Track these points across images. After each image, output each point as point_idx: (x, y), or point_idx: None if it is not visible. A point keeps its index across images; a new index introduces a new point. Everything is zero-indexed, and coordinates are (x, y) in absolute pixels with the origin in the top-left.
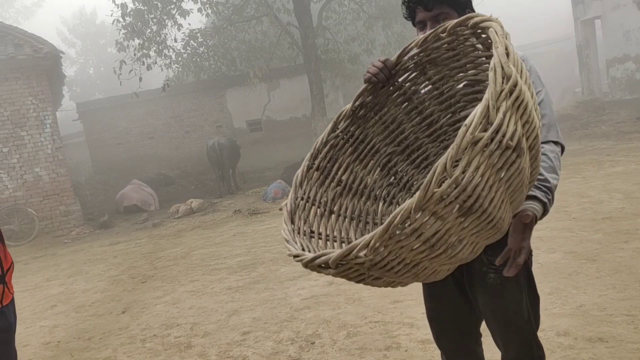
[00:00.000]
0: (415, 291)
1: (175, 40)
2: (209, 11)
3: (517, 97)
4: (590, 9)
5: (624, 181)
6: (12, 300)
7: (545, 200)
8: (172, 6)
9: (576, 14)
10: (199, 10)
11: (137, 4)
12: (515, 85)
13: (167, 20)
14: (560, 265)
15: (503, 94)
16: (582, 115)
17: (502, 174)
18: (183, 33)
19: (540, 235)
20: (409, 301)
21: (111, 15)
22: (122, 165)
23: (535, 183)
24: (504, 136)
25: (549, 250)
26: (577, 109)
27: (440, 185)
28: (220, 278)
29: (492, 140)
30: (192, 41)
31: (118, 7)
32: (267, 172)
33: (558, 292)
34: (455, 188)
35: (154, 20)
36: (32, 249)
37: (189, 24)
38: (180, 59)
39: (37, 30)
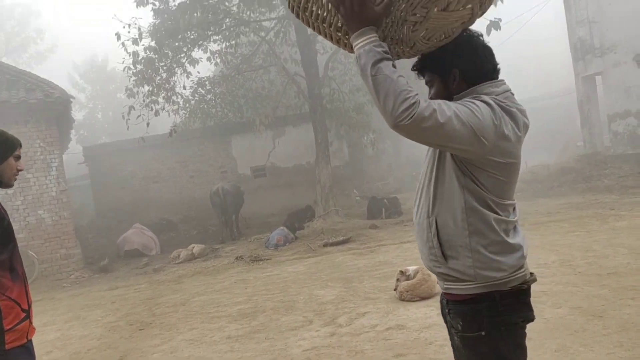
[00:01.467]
0: (419, 344)
1: (184, 88)
2: (218, 60)
3: None
4: (590, 65)
5: (629, 236)
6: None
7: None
8: (182, 55)
9: (577, 70)
10: (208, 59)
11: (149, 53)
12: None
13: (176, 68)
14: (567, 322)
15: None
16: (584, 169)
17: None
18: (192, 81)
19: (545, 290)
20: (413, 355)
21: (122, 62)
22: (125, 209)
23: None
24: None
25: (555, 306)
26: (579, 163)
27: None
28: (219, 326)
29: None
30: (200, 88)
31: (130, 55)
32: (270, 218)
33: (565, 349)
34: None
35: (164, 68)
36: (31, 293)
37: (198, 72)
38: (187, 105)
39: (48, 75)
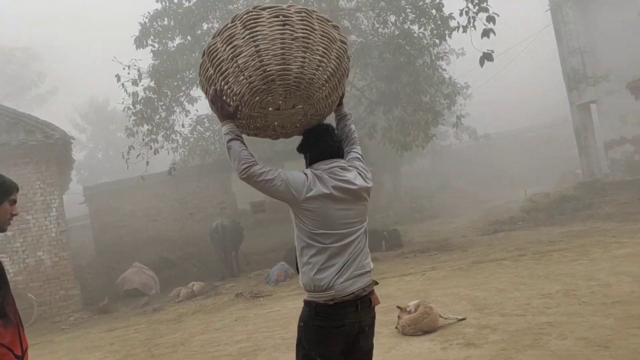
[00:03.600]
0: None
1: (183, 126)
2: None
3: None
4: (585, 94)
5: (632, 263)
6: None
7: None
8: (181, 94)
9: (572, 99)
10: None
11: (148, 93)
12: None
13: (175, 107)
14: (573, 353)
15: None
16: (584, 197)
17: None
18: (190, 119)
19: (551, 321)
20: None
21: (122, 102)
22: (125, 248)
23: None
24: None
25: (560, 337)
26: (578, 190)
27: None
28: None
29: None
30: (199, 126)
31: (129, 96)
32: (270, 254)
33: None
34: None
35: (163, 107)
36: (29, 336)
37: (197, 110)
38: (187, 143)
39: (49, 116)
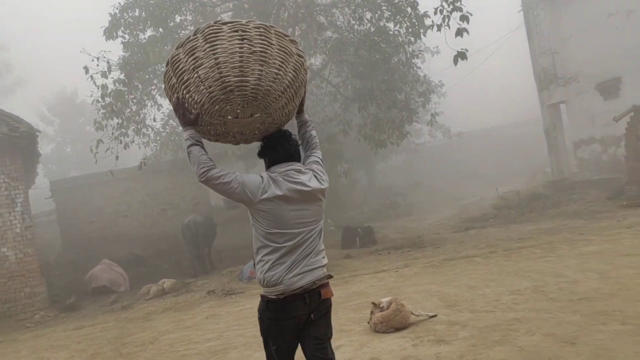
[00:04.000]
0: None
1: (155, 120)
2: None
3: None
4: (555, 94)
5: (599, 261)
6: None
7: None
8: (153, 87)
9: (542, 99)
10: None
11: (118, 85)
12: None
13: (147, 101)
14: (540, 349)
15: None
16: (553, 195)
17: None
18: (162, 112)
19: (519, 317)
20: None
21: (91, 95)
22: (93, 244)
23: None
24: None
25: (528, 333)
26: (547, 189)
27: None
28: None
29: None
30: (171, 120)
31: (99, 88)
32: (243, 250)
33: None
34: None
35: (134, 100)
36: None
37: (169, 104)
38: (158, 137)
39: (15, 108)
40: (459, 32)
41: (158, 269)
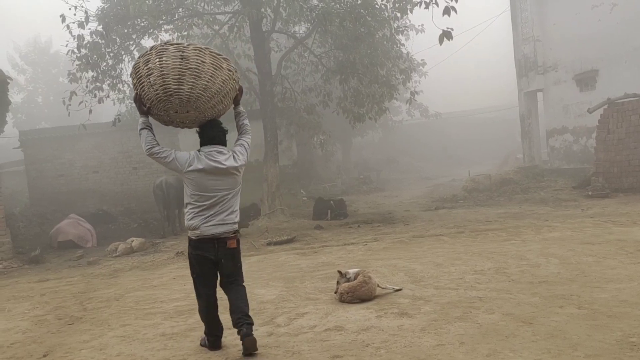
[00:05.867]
0: (356, 346)
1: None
2: None
3: None
4: (533, 81)
5: (560, 247)
6: None
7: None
8: (131, 42)
9: (520, 86)
10: None
11: (95, 37)
12: None
13: (124, 56)
14: (499, 327)
15: None
16: (522, 181)
17: None
18: None
19: (481, 296)
20: (349, 357)
21: (66, 45)
22: (61, 199)
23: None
24: None
25: (488, 311)
26: (518, 174)
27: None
28: (154, 323)
29: None
30: None
31: (75, 39)
32: None
33: (495, 354)
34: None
35: (111, 54)
36: None
37: None
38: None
39: None
40: (447, 11)
41: (127, 227)
